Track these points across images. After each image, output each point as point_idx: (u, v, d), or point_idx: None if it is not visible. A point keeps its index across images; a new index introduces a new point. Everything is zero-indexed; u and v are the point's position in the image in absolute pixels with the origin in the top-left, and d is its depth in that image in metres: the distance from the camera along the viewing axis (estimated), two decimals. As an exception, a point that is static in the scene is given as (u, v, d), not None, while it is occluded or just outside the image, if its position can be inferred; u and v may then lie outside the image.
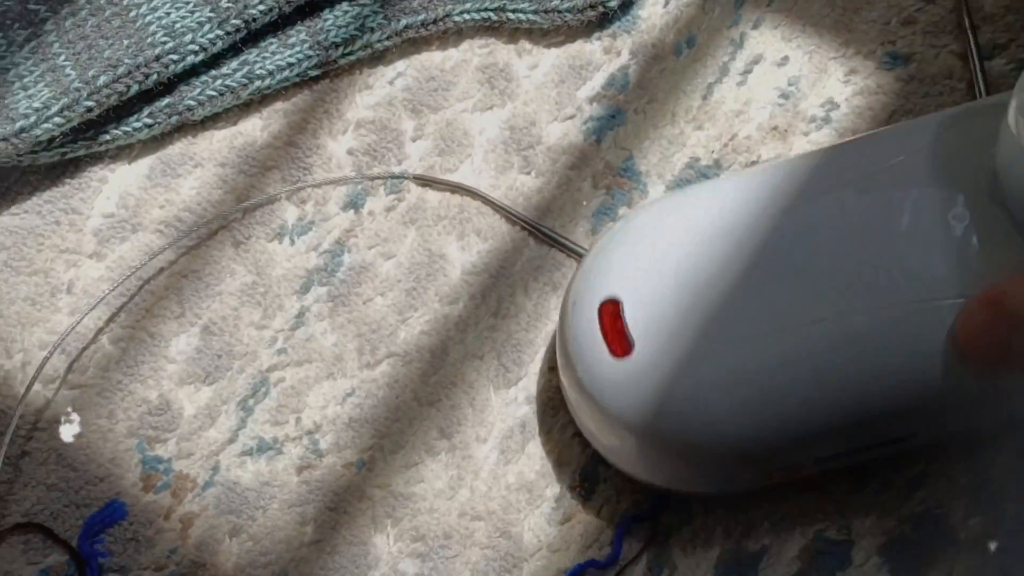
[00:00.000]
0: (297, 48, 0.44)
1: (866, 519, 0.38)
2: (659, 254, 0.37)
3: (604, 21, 0.45)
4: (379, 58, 0.45)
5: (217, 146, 0.44)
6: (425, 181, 0.44)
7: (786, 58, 0.44)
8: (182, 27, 0.43)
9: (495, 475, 0.40)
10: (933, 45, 0.44)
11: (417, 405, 0.41)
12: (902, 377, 0.34)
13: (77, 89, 0.42)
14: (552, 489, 0.39)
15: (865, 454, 0.36)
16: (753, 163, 0.43)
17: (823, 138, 0.43)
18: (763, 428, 0.35)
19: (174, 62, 0.43)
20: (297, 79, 0.45)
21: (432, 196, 0.43)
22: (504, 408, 0.40)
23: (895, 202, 0.35)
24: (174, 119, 0.44)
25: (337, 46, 0.44)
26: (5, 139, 0.42)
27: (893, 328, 0.34)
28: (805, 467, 0.36)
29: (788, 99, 0.44)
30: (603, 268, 0.37)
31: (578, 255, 0.42)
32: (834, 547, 0.38)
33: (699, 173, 0.43)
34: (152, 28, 0.43)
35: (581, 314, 0.37)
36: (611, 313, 0.36)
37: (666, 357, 0.35)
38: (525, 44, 0.45)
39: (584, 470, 0.39)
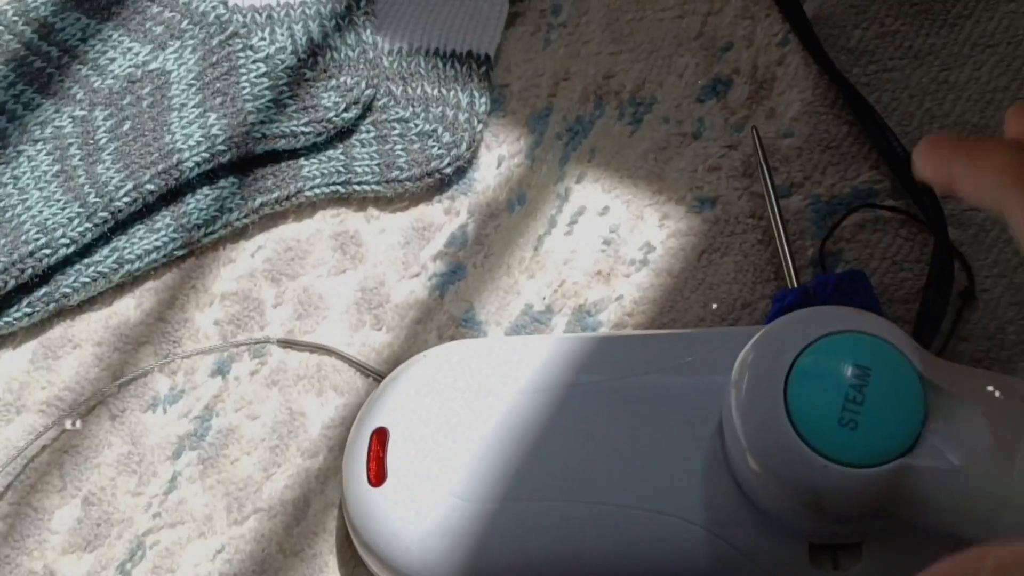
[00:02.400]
0: (163, 232, 0.49)
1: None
2: (438, 394, 0.41)
3: (443, 185, 0.50)
4: (240, 234, 0.50)
5: (94, 327, 0.48)
6: (286, 344, 0.48)
7: (607, 208, 0.49)
8: (53, 223, 0.47)
9: (356, 616, 0.43)
10: (736, 188, 0.49)
11: (282, 556, 0.44)
12: (623, 571, 0.37)
13: (-43, 289, 0.46)
14: (408, 625, 0.43)
15: None
16: (580, 306, 0.47)
17: (643, 279, 0.48)
18: None
19: (47, 256, 0.47)
20: (165, 260, 0.49)
21: (293, 357, 0.47)
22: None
23: (668, 413, 0.38)
24: (52, 306, 0.48)
25: (199, 227, 0.49)
26: None
27: (630, 530, 0.37)
28: None
29: (610, 245, 0.48)
30: (385, 397, 0.41)
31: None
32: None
33: (533, 319, 0.47)
34: (26, 226, 0.47)
35: (356, 438, 0.41)
36: (379, 442, 0.40)
37: (409, 496, 0.39)
38: (373, 211, 0.50)
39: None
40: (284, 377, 0.47)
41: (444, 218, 0.49)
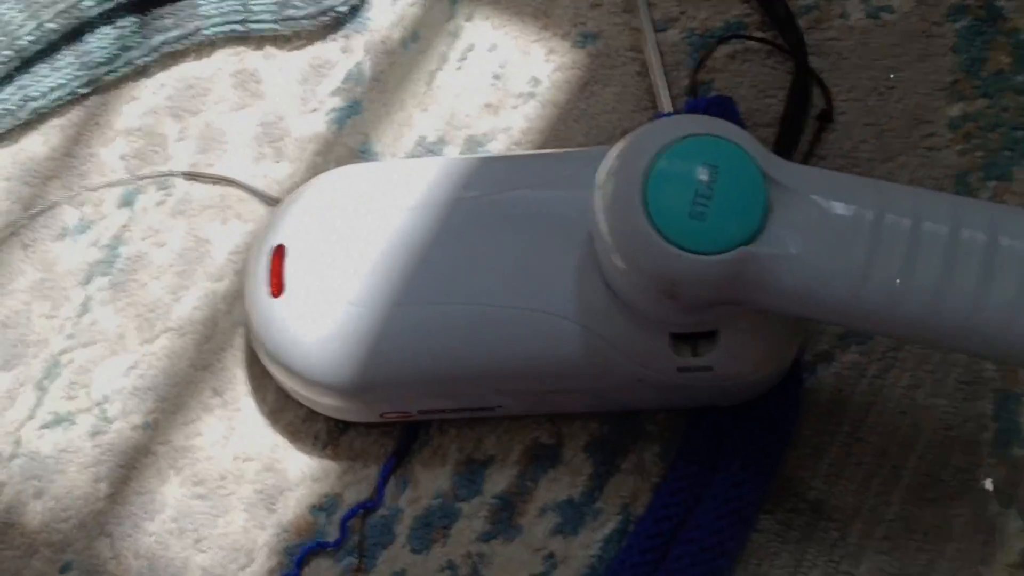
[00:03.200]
0: (66, 70, 0.50)
1: (573, 424, 0.46)
2: (333, 213, 0.43)
3: (339, 24, 0.52)
4: (142, 72, 0.51)
5: (2, 163, 0.50)
6: (191, 176, 0.50)
7: (495, 45, 0.51)
8: (-44, 61, 0.49)
9: (264, 423, 0.46)
10: (617, 23, 0.51)
11: (193, 371, 0.47)
12: (504, 364, 0.41)
13: None
14: (313, 428, 0.46)
15: (461, 414, 0.43)
16: (471, 137, 0.50)
17: (530, 110, 0.50)
18: (368, 379, 0.41)
19: (-48, 92, 0.48)
20: (69, 97, 0.51)
21: (197, 189, 0.50)
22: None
23: (544, 222, 0.41)
24: (-41, 142, 0.49)
25: (101, 65, 0.50)
26: None
27: (509, 327, 0.40)
28: (410, 415, 0.43)
29: (499, 79, 0.51)
30: (283, 216, 0.44)
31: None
32: (547, 449, 0.45)
33: (426, 149, 0.50)
34: (-70, 64, 0.49)
35: (257, 255, 0.43)
36: (278, 257, 0.43)
37: (307, 305, 0.42)
38: (271, 50, 0.52)
39: (337, 410, 0.46)
40: (189, 207, 0.49)
41: (341, 56, 0.52)
